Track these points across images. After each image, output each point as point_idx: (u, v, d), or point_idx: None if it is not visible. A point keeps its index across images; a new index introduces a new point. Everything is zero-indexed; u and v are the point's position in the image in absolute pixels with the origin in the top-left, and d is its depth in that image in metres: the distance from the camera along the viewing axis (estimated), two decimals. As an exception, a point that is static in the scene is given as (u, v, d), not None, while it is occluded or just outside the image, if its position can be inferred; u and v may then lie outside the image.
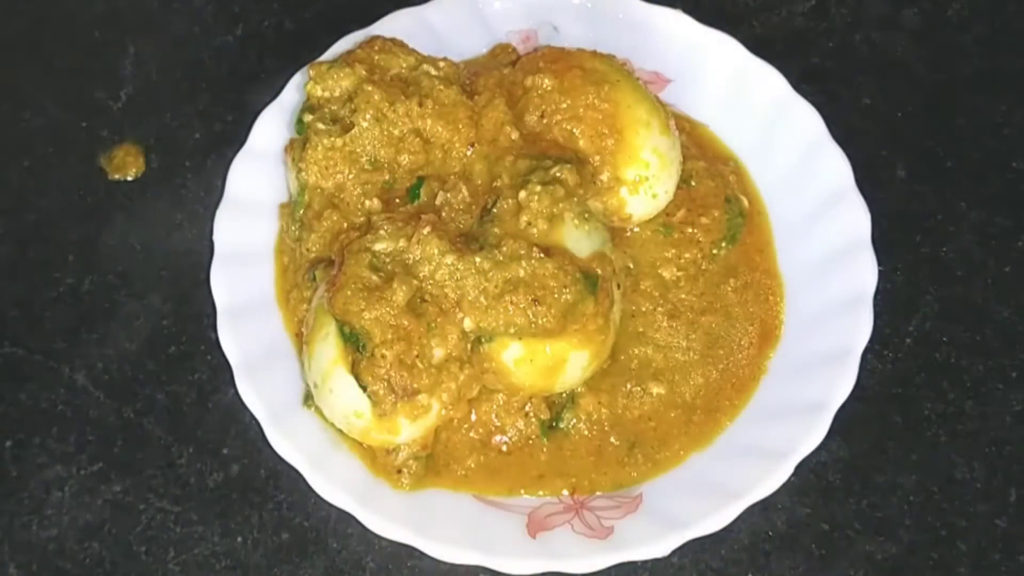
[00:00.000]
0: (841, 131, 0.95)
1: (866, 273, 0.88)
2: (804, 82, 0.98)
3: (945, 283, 0.97)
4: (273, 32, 1.11)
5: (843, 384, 0.84)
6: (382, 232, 0.82)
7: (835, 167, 0.93)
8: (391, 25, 0.99)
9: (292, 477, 0.82)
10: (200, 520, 0.87)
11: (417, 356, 0.78)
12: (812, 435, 0.82)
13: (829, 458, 0.88)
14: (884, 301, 0.89)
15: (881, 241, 0.90)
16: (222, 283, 0.89)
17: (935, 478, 0.88)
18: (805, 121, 0.96)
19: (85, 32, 1.12)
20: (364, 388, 0.78)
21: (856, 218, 0.91)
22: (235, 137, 0.96)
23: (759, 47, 0.99)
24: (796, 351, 0.89)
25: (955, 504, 0.87)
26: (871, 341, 0.86)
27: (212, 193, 0.95)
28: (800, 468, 0.82)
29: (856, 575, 0.85)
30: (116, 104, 1.07)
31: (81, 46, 1.11)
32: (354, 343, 0.78)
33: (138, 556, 0.85)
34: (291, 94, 0.96)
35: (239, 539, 0.86)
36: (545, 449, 0.86)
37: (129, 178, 1.03)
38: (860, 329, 0.86)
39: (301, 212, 0.88)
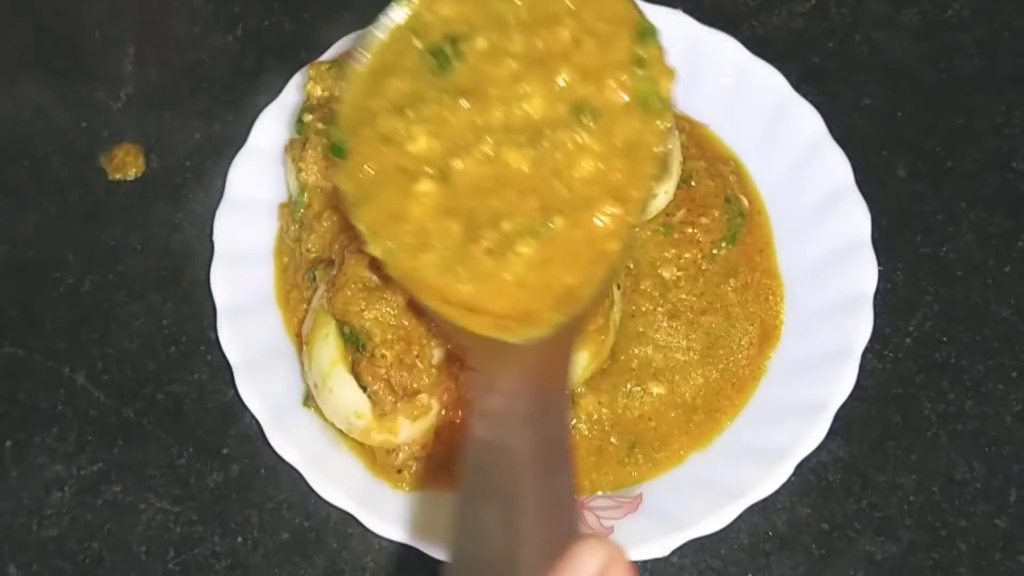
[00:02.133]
0: (841, 131, 0.94)
1: (866, 273, 0.88)
2: (804, 82, 0.98)
3: (945, 283, 0.97)
4: (273, 32, 1.11)
5: (843, 384, 0.84)
6: (382, 232, 0.81)
7: (835, 167, 0.93)
8: (391, 25, 0.99)
9: (292, 477, 0.82)
10: (200, 520, 0.87)
11: (417, 356, 0.78)
12: (812, 435, 0.82)
13: (829, 458, 0.88)
14: (884, 301, 0.89)
15: (881, 241, 0.90)
16: (222, 283, 0.89)
17: (935, 478, 0.88)
18: (805, 121, 0.95)
19: (85, 32, 1.12)
20: (364, 388, 0.78)
21: (856, 218, 0.91)
22: (235, 137, 0.95)
23: (759, 47, 0.98)
24: (796, 351, 0.89)
25: (955, 504, 0.87)
26: (871, 341, 0.86)
27: (212, 193, 0.95)
28: (800, 468, 0.82)
29: (856, 575, 0.85)
30: (116, 104, 1.06)
31: (81, 46, 1.11)
32: (354, 343, 0.78)
33: (138, 556, 0.85)
34: (291, 94, 0.96)
35: (239, 539, 0.86)
36: (545, 449, 0.86)
37: (129, 178, 1.03)
38: (860, 329, 0.86)
39: (301, 212, 0.88)
